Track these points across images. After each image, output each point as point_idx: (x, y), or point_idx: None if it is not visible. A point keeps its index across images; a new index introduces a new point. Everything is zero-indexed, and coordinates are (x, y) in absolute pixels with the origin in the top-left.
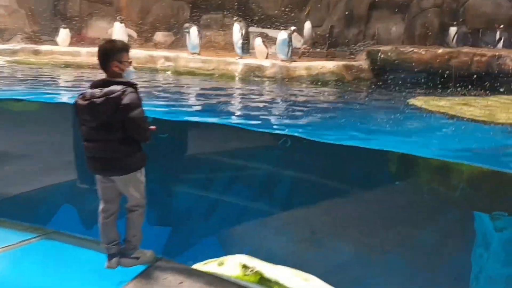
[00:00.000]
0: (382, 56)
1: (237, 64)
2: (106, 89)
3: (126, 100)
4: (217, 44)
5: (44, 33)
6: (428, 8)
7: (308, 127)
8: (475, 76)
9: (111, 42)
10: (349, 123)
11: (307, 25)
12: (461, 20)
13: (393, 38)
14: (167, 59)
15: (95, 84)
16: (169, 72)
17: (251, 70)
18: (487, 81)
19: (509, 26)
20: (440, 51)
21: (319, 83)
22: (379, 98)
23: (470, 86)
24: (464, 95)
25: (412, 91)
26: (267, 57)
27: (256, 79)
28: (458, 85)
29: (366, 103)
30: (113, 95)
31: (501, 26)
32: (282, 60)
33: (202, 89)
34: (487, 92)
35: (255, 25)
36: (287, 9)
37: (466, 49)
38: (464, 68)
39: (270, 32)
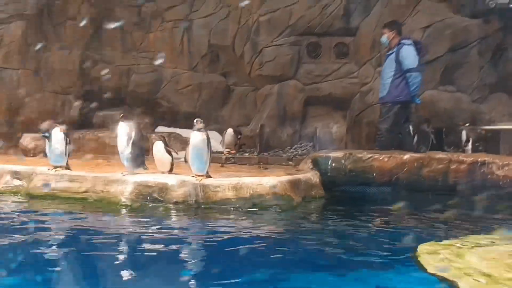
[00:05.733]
0: (333, 165)
1: (125, 183)
2: None
3: None
4: (113, 150)
5: None
6: (375, 103)
7: None
8: (453, 189)
9: None
10: None
11: (229, 132)
12: (423, 117)
13: (334, 139)
14: (15, 175)
15: None
16: (18, 196)
17: (147, 192)
18: (469, 195)
19: (473, 124)
20: (406, 157)
21: (255, 209)
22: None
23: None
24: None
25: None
26: (171, 170)
27: (157, 206)
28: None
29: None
30: None
31: (467, 124)
32: (197, 176)
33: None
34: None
35: (165, 125)
36: (205, 106)
37: (439, 155)
38: (439, 179)
39: (185, 133)
